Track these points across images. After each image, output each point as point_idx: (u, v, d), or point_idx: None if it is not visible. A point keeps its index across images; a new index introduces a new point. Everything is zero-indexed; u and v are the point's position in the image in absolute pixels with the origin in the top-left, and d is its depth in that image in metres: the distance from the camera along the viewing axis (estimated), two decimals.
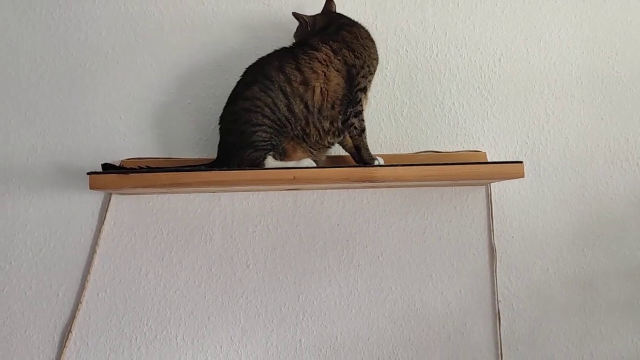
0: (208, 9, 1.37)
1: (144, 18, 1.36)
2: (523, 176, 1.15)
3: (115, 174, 1.11)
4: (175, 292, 1.29)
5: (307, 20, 1.25)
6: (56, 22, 1.35)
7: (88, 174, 1.12)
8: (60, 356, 1.25)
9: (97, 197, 1.31)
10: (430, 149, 1.36)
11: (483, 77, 1.39)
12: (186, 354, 1.28)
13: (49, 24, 1.35)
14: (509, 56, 1.40)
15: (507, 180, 1.32)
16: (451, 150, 1.36)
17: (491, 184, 1.34)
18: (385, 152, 1.35)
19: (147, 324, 1.28)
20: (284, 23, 1.35)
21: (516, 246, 1.34)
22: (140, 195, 1.31)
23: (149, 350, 1.28)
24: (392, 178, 1.13)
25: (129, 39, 1.36)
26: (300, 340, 1.30)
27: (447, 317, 1.32)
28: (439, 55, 1.40)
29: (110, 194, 1.30)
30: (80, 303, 1.27)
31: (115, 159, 1.30)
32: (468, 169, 1.13)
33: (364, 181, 1.13)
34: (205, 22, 1.37)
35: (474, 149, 1.36)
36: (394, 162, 1.25)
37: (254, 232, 1.32)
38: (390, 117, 1.37)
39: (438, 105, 1.38)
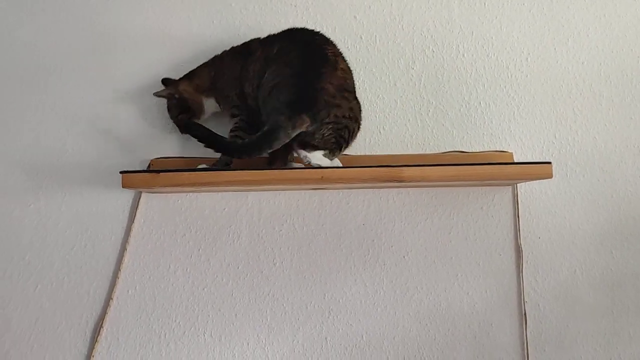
0: None
1: (172, 15, 1.38)
2: (551, 177, 1.14)
3: (146, 173, 1.13)
4: (203, 289, 1.31)
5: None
6: (84, 14, 1.38)
7: (120, 172, 1.14)
8: (92, 351, 1.28)
9: (127, 196, 1.33)
10: (457, 149, 1.36)
11: (510, 76, 1.38)
12: (214, 350, 1.30)
13: (78, 22, 1.38)
14: (536, 55, 1.39)
15: (534, 181, 1.31)
16: (477, 151, 1.35)
17: (518, 184, 1.33)
18: (411, 152, 1.35)
19: (175, 321, 1.30)
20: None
21: (543, 247, 1.33)
22: (169, 194, 1.33)
23: (178, 346, 1.30)
24: (419, 178, 1.14)
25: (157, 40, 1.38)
26: (326, 339, 1.31)
27: (472, 317, 1.32)
28: (465, 55, 1.39)
29: (140, 192, 1.32)
30: (111, 300, 1.30)
31: (145, 158, 1.32)
32: (496, 169, 1.13)
33: (390, 181, 1.14)
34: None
35: (500, 149, 1.36)
36: (419, 162, 1.26)
37: (281, 230, 1.33)
38: (416, 117, 1.37)
39: (464, 105, 1.38)
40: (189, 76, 1.28)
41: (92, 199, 1.33)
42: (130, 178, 1.13)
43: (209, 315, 1.31)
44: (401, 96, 1.38)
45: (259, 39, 1.26)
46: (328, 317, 1.31)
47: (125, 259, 1.31)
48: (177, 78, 1.31)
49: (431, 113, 1.38)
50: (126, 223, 1.33)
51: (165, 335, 1.30)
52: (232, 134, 1.22)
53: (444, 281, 1.33)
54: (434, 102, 1.38)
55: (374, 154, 1.35)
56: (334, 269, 1.33)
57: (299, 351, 1.30)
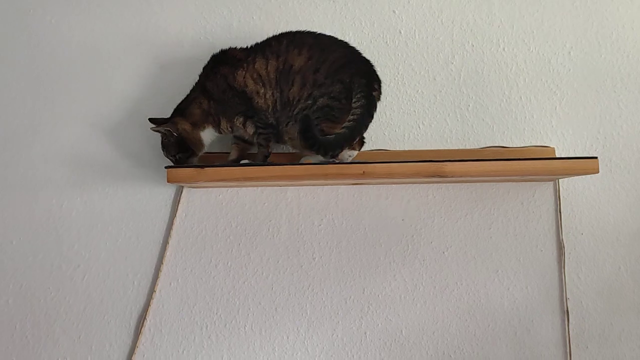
0: None
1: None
2: (597, 172, 1.12)
3: (191, 169, 1.15)
4: (244, 282, 1.33)
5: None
6: (131, 17, 1.41)
7: (166, 167, 1.17)
8: (136, 342, 1.31)
9: (170, 190, 1.36)
10: (497, 144, 1.34)
11: (552, 70, 1.36)
12: (254, 343, 1.32)
13: (127, 20, 1.41)
14: (579, 49, 1.36)
15: (577, 176, 1.29)
16: (518, 146, 1.34)
17: (560, 179, 1.31)
18: (451, 147, 1.35)
19: (216, 313, 1.33)
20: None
21: (585, 243, 1.32)
22: (210, 189, 1.35)
23: (219, 338, 1.32)
24: (461, 173, 1.13)
25: (199, 37, 1.40)
26: (365, 333, 1.32)
27: (513, 314, 1.31)
28: (505, 49, 1.38)
29: (182, 188, 1.35)
30: (154, 292, 1.32)
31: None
32: (541, 164, 1.12)
33: (433, 176, 1.14)
34: None
35: (542, 144, 1.34)
36: (459, 157, 1.25)
37: (320, 225, 1.34)
38: (455, 112, 1.37)
39: (505, 100, 1.37)
40: (183, 114, 1.27)
41: (136, 193, 1.36)
42: (175, 173, 1.15)
43: (249, 309, 1.33)
44: (440, 91, 1.37)
45: (237, 48, 1.27)
46: (367, 312, 1.32)
47: (168, 252, 1.34)
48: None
49: (471, 108, 1.37)
50: (168, 217, 1.35)
51: (206, 327, 1.33)
52: (261, 132, 1.23)
53: (484, 277, 1.32)
54: (473, 97, 1.37)
55: (413, 149, 1.35)
56: (373, 264, 1.33)
57: (338, 345, 1.31)
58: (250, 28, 1.41)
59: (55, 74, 1.40)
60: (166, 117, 1.28)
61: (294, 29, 1.28)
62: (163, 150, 1.27)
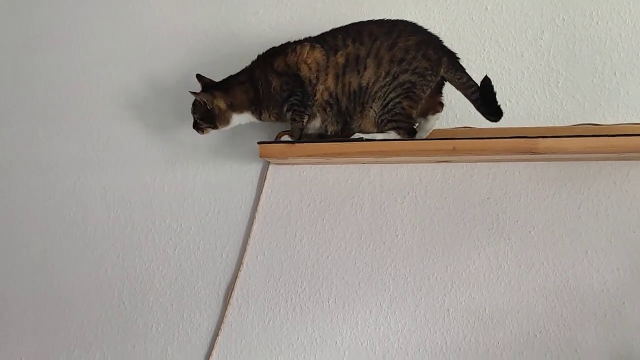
0: None
1: None
2: None
3: (282, 144, 1.19)
4: (327, 257, 1.36)
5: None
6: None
7: (258, 143, 1.21)
8: (225, 311, 1.37)
9: (256, 167, 1.40)
10: (588, 122, 1.30)
11: None
12: (337, 316, 1.35)
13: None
14: None
15: None
16: (611, 123, 1.29)
17: None
18: (539, 125, 1.32)
19: (301, 286, 1.36)
20: None
21: None
22: (295, 166, 1.38)
23: (303, 310, 1.36)
24: (555, 149, 1.11)
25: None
26: (448, 310, 1.32)
27: (603, 295, 1.28)
28: (599, 23, 1.33)
29: (268, 165, 1.38)
30: (242, 264, 1.37)
31: (272, 132, 1.38)
32: None
33: (525, 152, 1.12)
34: None
35: (637, 122, 1.29)
36: (549, 134, 1.22)
37: (403, 203, 1.35)
38: (544, 89, 1.34)
39: (597, 76, 1.32)
40: (225, 91, 1.27)
41: (224, 170, 1.41)
42: (267, 148, 1.19)
43: (333, 283, 1.36)
44: (528, 67, 1.34)
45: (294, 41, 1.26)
46: (450, 290, 1.32)
47: (254, 227, 1.38)
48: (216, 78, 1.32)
49: (561, 84, 1.33)
50: (255, 193, 1.40)
51: (291, 299, 1.37)
52: (296, 108, 1.23)
53: (572, 257, 1.29)
54: (563, 73, 1.33)
55: (499, 126, 1.32)
56: (457, 242, 1.33)
57: (420, 321, 1.33)
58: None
59: (146, 53, 1.45)
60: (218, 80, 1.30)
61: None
62: (192, 107, 1.29)
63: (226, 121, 1.29)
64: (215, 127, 1.29)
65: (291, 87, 1.21)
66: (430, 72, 1.19)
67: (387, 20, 1.23)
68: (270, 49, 1.27)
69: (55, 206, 1.44)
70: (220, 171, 1.41)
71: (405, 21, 1.22)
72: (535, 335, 1.30)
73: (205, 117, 1.28)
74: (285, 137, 1.26)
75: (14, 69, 1.49)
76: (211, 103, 1.26)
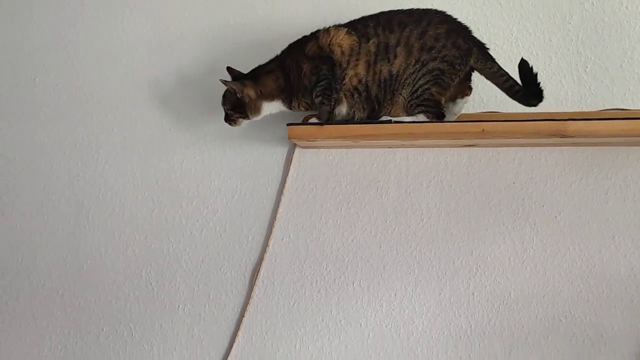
0: None
1: None
2: None
3: (311, 126, 1.20)
4: (353, 240, 1.37)
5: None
6: None
7: (287, 125, 1.22)
8: (251, 292, 1.38)
9: (282, 151, 1.41)
10: (616, 107, 1.30)
11: None
12: (362, 299, 1.36)
13: None
14: None
15: None
16: None
17: None
18: (567, 110, 1.31)
19: (326, 269, 1.38)
20: None
21: None
22: (321, 150, 1.39)
23: (328, 293, 1.37)
24: (585, 132, 1.11)
25: None
26: (473, 294, 1.33)
27: (630, 281, 1.27)
28: (628, 7, 1.32)
29: (294, 148, 1.39)
30: (268, 246, 1.39)
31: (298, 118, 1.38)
32: None
33: (555, 135, 1.12)
34: None
35: None
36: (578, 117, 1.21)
37: (428, 187, 1.36)
38: (572, 74, 1.33)
39: (626, 61, 1.32)
40: (255, 80, 1.27)
41: (251, 153, 1.42)
42: (296, 130, 1.20)
43: (357, 266, 1.37)
44: (556, 52, 1.34)
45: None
46: (475, 274, 1.33)
47: (280, 209, 1.39)
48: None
49: (589, 69, 1.33)
50: (281, 176, 1.41)
51: (316, 282, 1.38)
52: (326, 92, 1.23)
53: (598, 242, 1.29)
54: (592, 58, 1.33)
55: (526, 111, 1.32)
56: (482, 227, 1.33)
57: (445, 304, 1.33)
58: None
59: (175, 39, 1.47)
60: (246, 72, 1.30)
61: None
62: (222, 98, 1.29)
63: (257, 110, 1.29)
64: (246, 116, 1.29)
65: (321, 71, 1.22)
66: (459, 61, 1.19)
67: (417, 9, 1.23)
68: (302, 37, 1.28)
69: (85, 187, 1.46)
70: (247, 154, 1.42)
71: (436, 10, 1.22)
72: (561, 320, 1.30)
73: (236, 107, 1.28)
74: (313, 120, 1.27)
75: (44, 51, 1.51)
76: (241, 92, 1.27)
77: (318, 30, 1.25)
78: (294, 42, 1.28)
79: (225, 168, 1.43)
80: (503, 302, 1.32)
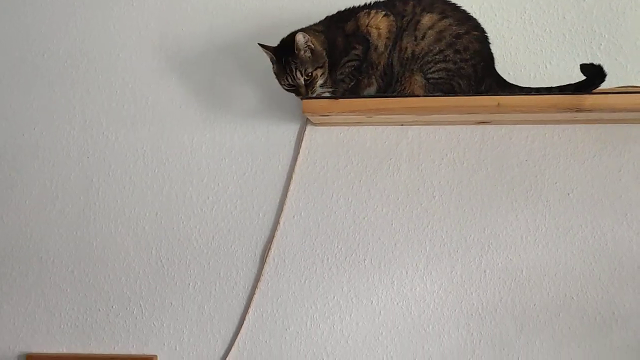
0: None
1: None
2: None
3: (326, 100, 1.19)
4: (364, 218, 1.37)
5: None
6: None
7: (302, 99, 1.21)
8: (262, 270, 1.38)
9: (293, 128, 1.40)
10: (631, 84, 1.29)
11: None
12: (373, 276, 1.36)
13: None
14: None
15: None
16: None
17: None
18: None
19: (337, 246, 1.37)
20: None
21: None
22: (332, 127, 1.39)
23: (339, 270, 1.37)
24: (602, 106, 1.11)
25: None
26: (485, 271, 1.32)
27: None
28: None
29: (305, 126, 1.38)
30: (279, 223, 1.38)
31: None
32: None
33: (571, 109, 1.12)
34: None
35: None
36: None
37: (440, 165, 1.35)
38: (586, 52, 1.33)
39: None
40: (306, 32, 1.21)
41: (262, 130, 1.41)
42: (311, 104, 1.19)
43: (369, 243, 1.37)
44: (570, 30, 1.33)
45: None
46: (487, 251, 1.33)
47: (291, 187, 1.39)
48: None
49: (603, 47, 1.32)
50: (292, 154, 1.40)
51: (327, 259, 1.38)
52: (354, 72, 1.24)
53: (611, 220, 1.29)
54: (606, 36, 1.32)
55: None
56: (495, 204, 1.33)
57: (457, 282, 1.33)
58: None
59: (186, 14, 1.46)
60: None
61: None
62: (295, 71, 1.20)
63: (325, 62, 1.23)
64: (323, 69, 1.22)
65: (355, 50, 1.22)
66: (471, 81, 1.21)
67: (464, 9, 1.23)
68: (337, 13, 1.28)
69: (95, 164, 1.45)
70: (258, 131, 1.41)
71: (478, 23, 1.23)
72: (572, 298, 1.30)
73: (312, 63, 1.20)
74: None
75: (53, 27, 1.50)
76: (310, 42, 1.20)
77: (358, 8, 1.25)
78: (332, 16, 1.27)
79: (236, 145, 1.42)
80: (515, 279, 1.31)
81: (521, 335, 1.31)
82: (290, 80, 1.22)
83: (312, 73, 1.21)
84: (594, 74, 1.13)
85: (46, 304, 1.45)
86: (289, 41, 1.22)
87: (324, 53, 1.23)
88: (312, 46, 1.21)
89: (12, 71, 1.50)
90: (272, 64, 1.27)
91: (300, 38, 1.19)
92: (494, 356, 1.31)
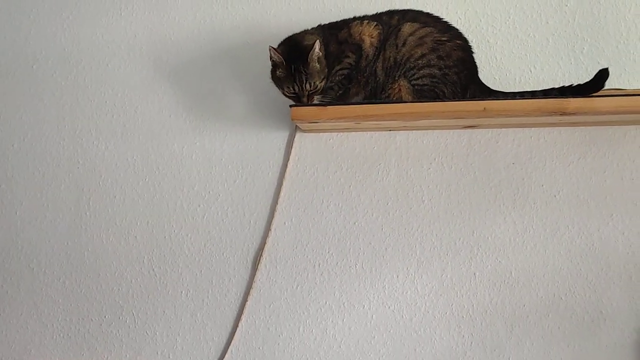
0: None
1: None
2: None
3: (314, 107, 1.20)
4: (354, 223, 1.38)
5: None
6: None
7: (290, 106, 1.22)
8: (254, 277, 1.39)
9: (283, 135, 1.41)
10: (613, 87, 1.32)
11: None
12: (364, 281, 1.37)
13: None
14: None
15: None
16: (637, 88, 1.31)
17: None
18: None
19: (328, 252, 1.38)
20: None
21: None
22: (321, 134, 1.40)
23: (331, 275, 1.38)
24: (586, 109, 1.13)
25: None
26: (474, 274, 1.34)
27: (628, 258, 1.30)
28: None
29: (295, 133, 1.40)
30: (270, 230, 1.39)
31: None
32: None
33: (556, 112, 1.13)
34: None
35: None
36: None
37: (429, 169, 1.37)
38: (569, 55, 1.35)
39: (622, 42, 1.34)
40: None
41: (251, 138, 1.42)
42: (299, 111, 1.20)
43: (360, 248, 1.38)
44: (553, 34, 1.36)
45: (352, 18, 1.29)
46: (477, 254, 1.34)
47: (282, 193, 1.40)
48: None
49: (585, 51, 1.35)
50: (282, 160, 1.41)
51: (319, 265, 1.39)
52: (343, 81, 1.26)
53: (597, 220, 1.31)
54: (588, 39, 1.35)
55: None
56: (483, 207, 1.35)
57: (447, 285, 1.35)
58: None
59: (175, 22, 1.47)
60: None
61: None
62: (305, 82, 1.19)
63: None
64: (325, 79, 1.23)
65: (347, 58, 1.23)
66: (457, 88, 1.22)
67: (446, 21, 1.26)
68: (329, 23, 1.29)
69: (85, 174, 1.45)
70: (248, 139, 1.42)
71: (460, 32, 1.25)
72: (561, 298, 1.32)
73: (319, 74, 1.21)
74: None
75: (42, 38, 1.50)
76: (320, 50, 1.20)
77: (349, 19, 1.27)
78: (326, 25, 1.28)
79: (226, 153, 1.43)
80: (504, 281, 1.33)
81: (511, 336, 1.32)
82: (296, 89, 1.21)
83: (318, 85, 1.21)
84: (600, 78, 1.16)
85: (38, 315, 1.45)
86: (301, 48, 1.20)
87: (325, 62, 1.24)
88: (320, 54, 1.21)
89: (1, 82, 1.50)
90: (276, 67, 1.23)
91: (317, 49, 1.19)
92: (485, 357, 1.33)
